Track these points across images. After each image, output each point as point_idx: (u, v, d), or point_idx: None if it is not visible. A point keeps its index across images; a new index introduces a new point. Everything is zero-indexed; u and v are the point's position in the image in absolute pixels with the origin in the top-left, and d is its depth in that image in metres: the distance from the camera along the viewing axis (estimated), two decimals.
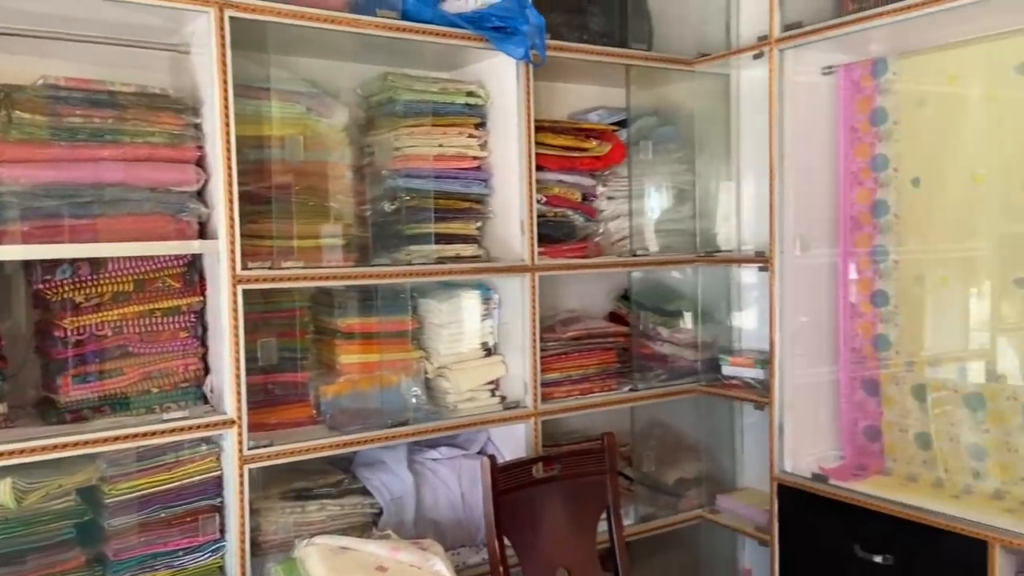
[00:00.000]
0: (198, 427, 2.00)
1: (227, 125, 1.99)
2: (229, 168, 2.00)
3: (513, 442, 2.55)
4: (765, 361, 2.65)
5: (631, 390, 2.77)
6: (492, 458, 2.12)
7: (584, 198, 2.76)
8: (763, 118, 2.56)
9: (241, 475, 2.04)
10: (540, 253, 2.53)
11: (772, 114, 2.51)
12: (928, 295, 2.39)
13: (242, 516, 2.04)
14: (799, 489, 2.49)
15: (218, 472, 2.07)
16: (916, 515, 2.16)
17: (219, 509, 2.07)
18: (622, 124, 2.85)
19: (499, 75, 2.50)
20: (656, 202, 2.91)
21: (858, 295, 2.55)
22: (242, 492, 2.04)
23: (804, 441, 2.59)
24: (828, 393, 2.65)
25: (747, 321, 3.00)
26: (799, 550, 2.52)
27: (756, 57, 2.60)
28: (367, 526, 2.30)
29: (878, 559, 2.24)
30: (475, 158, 2.52)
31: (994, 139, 2.20)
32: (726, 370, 2.87)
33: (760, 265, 2.66)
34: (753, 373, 2.79)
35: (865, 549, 2.27)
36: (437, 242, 2.43)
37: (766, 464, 2.61)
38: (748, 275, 2.96)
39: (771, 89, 2.50)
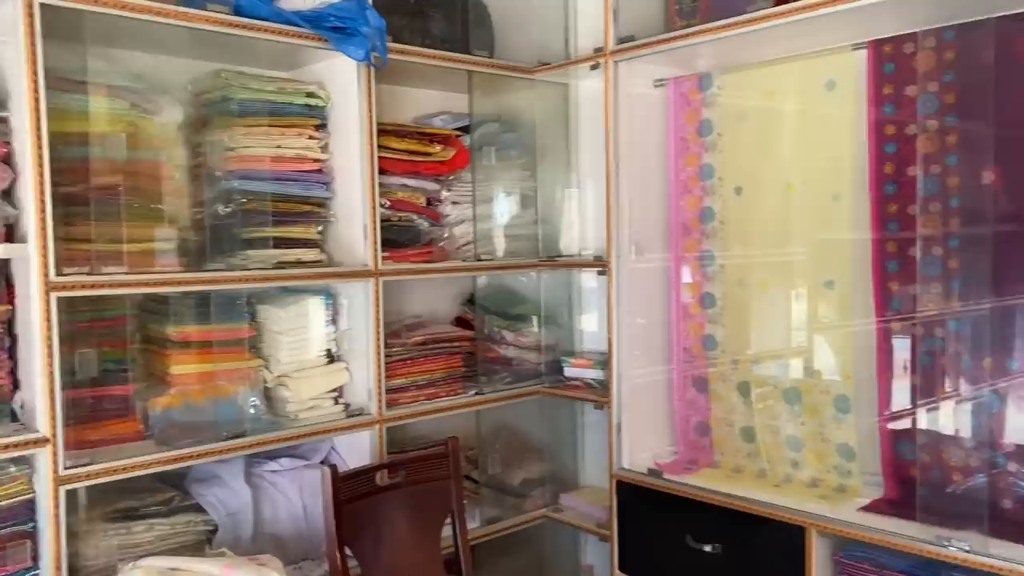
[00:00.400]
0: (5, 447, 1.84)
1: (37, 120, 1.84)
2: (40, 166, 1.85)
3: (358, 450, 2.51)
4: (605, 362, 2.74)
5: (477, 394, 2.79)
6: (333, 467, 2.07)
7: (429, 203, 2.76)
8: (601, 127, 2.64)
9: (56, 497, 1.89)
10: (384, 258, 2.51)
11: (608, 124, 2.60)
12: (750, 297, 2.54)
13: (58, 541, 1.89)
14: (636, 485, 2.58)
15: (30, 495, 1.90)
16: (741, 505, 2.29)
17: (32, 535, 1.91)
18: (466, 130, 2.87)
19: (340, 76, 2.45)
20: (500, 208, 2.95)
21: (689, 297, 2.68)
22: (57, 516, 1.89)
23: (641, 438, 2.70)
24: (663, 391, 2.77)
25: (588, 324, 3.10)
26: (637, 544, 2.62)
27: (593, 68, 2.68)
28: (201, 544, 2.19)
29: (708, 548, 2.36)
30: (316, 160, 2.46)
31: (806, 151, 2.38)
32: (568, 372, 2.95)
33: (599, 269, 2.75)
34: (593, 374, 2.88)
35: (696, 539, 2.39)
36: (276, 246, 2.36)
37: (606, 462, 2.69)
38: (589, 279, 3.06)
39: (607, 100, 2.59)
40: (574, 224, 3.05)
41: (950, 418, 2.16)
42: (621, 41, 2.56)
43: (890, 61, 2.17)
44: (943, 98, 2.08)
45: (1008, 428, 2.08)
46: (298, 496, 2.40)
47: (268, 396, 2.40)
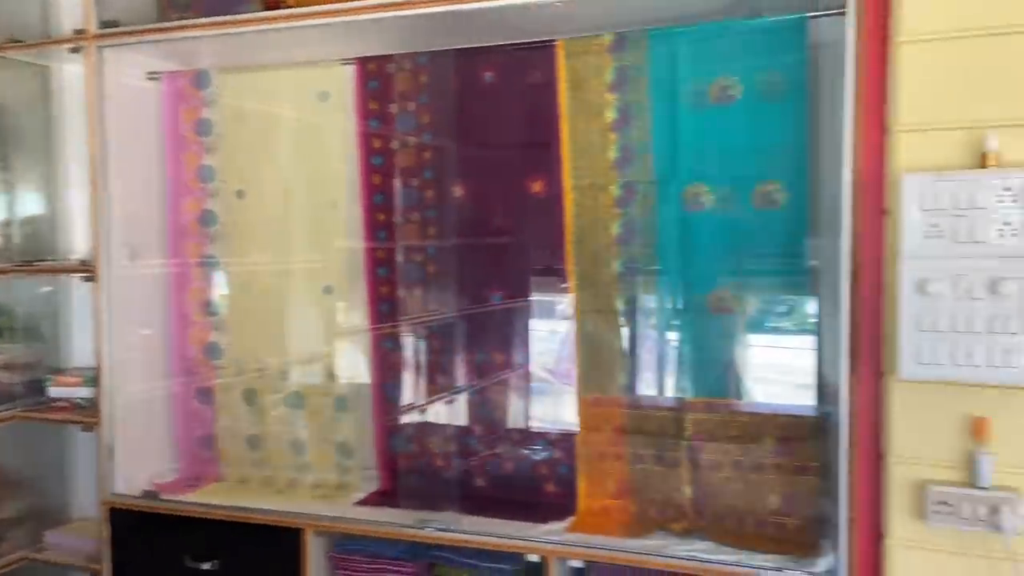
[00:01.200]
0: None
1: None
2: None
3: None
4: (96, 379, 2.47)
5: None
6: None
7: None
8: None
9: None
10: None
11: (92, 115, 2.35)
12: (254, 303, 2.50)
13: None
14: (131, 510, 2.37)
15: None
16: (240, 515, 2.23)
17: None
18: None
19: None
20: None
21: (190, 304, 2.55)
22: None
23: (139, 459, 2.49)
24: (165, 406, 2.59)
25: (80, 336, 2.77)
26: (132, 574, 2.40)
27: (73, 51, 2.40)
28: None
29: (206, 566, 2.26)
30: None
31: (304, 159, 2.41)
32: (52, 391, 2.60)
33: (85, 275, 2.47)
34: (84, 392, 2.57)
35: (194, 559, 2.27)
36: None
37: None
38: (80, 286, 2.73)
39: (88, 88, 2.35)
40: (57, 224, 2.70)
41: (434, 411, 2.37)
42: (105, 25, 2.33)
43: (375, 79, 2.30)
44: (419, 117, 2.27)
45: (480, 415, 2.34)
46: None
47: None
